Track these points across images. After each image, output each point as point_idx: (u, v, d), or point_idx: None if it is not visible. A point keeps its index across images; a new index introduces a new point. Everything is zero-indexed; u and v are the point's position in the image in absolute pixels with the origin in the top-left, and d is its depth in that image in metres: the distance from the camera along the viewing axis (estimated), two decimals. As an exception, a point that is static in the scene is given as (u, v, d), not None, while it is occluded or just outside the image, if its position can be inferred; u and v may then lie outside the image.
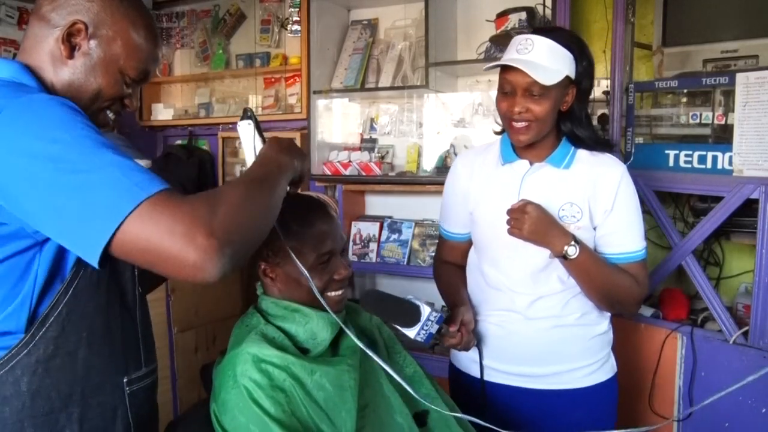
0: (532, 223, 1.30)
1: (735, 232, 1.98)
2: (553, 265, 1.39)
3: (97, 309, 0.94)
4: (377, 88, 2.77)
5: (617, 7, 2.14)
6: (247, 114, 1.07)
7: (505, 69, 1.36)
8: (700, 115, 1.98)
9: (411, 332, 1.29)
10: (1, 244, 0.84)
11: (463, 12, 2.70)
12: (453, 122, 2.66)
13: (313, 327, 1.13)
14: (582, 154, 1.43)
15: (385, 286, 2.99)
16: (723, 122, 1.91)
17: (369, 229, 2.83)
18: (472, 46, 2.64)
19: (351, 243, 2.81)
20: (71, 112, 0.83)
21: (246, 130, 1.07)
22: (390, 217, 2.85)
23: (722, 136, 1.91)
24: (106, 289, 0.96)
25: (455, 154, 2.63)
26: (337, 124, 2.99)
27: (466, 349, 1.41)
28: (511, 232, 1.33)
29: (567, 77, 1.34)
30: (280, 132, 3.14)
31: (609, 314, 1.50)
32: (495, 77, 2.63)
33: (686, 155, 1.96)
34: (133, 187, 0.77)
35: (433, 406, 1.18)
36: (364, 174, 2.73)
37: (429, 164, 2.70)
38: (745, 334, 1.84)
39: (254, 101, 3.28)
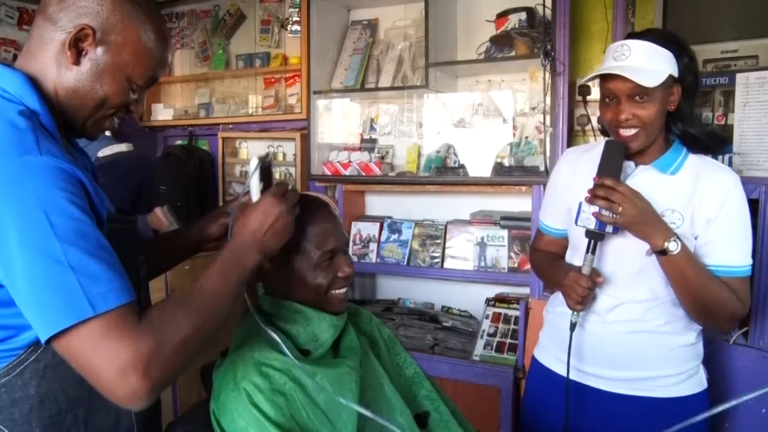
0: (635, 207, 1.26)
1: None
2: (647, 272, 1.35)
3: None
4: (377, 89, 2.77)
5: (617, 7, 2.14)
6: (262, 156, 1.05)
7: (605, 78, 1.34)
8: (701, 115, 1.98)
9: (593, 207, 1.32)
10: None
11: (463, 12, 2.70)
12: (453, 122, 2.66)
13: (315, 329, 1.13)
14: (692, 161, 1.38)
15: (385, 287, 2.99)
16: (723, 122, 1.91)
17: (369, 229, 2.83)
18: (472, 46, 2.64)
19: (351, 243, 2.81)
20: (60, 188, 0.81)
21: (253, 166, 1.04)
22: (390, 218, 2.85)
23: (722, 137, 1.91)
24: None
25: (455, 155, 2.64)
26: (337, 124, 2.99)
27: (583, 304, 1.37)
28: (604, 218, 1.29)
29: (670, 76, 1.31)
30: (279, 132, 3.14)
31: (699, 327, 1.44)
32: (495, 77, 2.66)
33: (686, 155, 1.96)
34: (83, 303, 0.77)
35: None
36: (364, 174, 2.72)
37: (427, 164, 2.69)
38: (745, 334, 1.84)
39: (254, 101, 3.28)
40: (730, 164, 1.84)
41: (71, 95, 0.93)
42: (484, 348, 2.43)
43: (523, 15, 2.41)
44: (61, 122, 0.95)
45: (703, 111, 1.98)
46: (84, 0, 0.91)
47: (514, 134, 2.54)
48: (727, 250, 1.34)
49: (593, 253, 1.35)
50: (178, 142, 3.54)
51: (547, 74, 2.27)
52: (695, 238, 1.35)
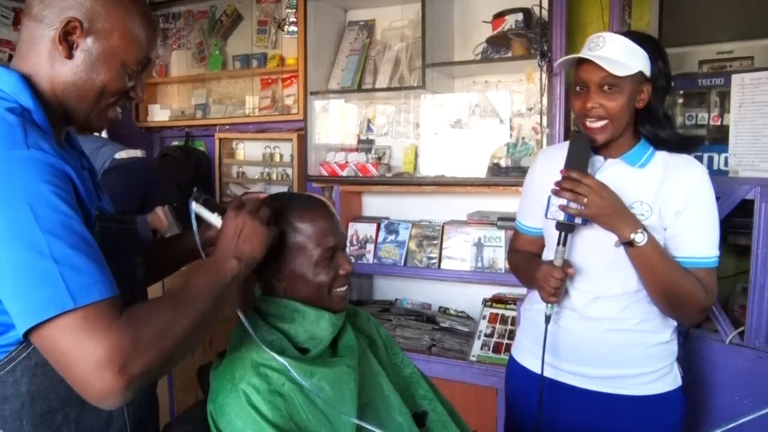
0: (601, 199, 1.29)
1: (731, 232, 1.99)
2: (619, 265, 1.38)
3: None
4: (374, 89, 2.77)
5: (613, 8, 2.15)
6: (195, 195, 1.08)
7: (578, 67, 1.38)
8: (696, 116, 1.99)
9: (561, 199, 1.35)
10: None
11: (459, 13, 2.70)
12: (450, 123, 2.66)
13: (313, 327, 1.13)
14: (660, 155, 1.41)
15: (382, 287, 2.99)
16: (719, 123, 1.92)
17: (366, 230, 2.83)
18: (468, 47, 2.64)
19: (348, 244, 2.81)
20: (46, 181, 0.81)
21: (194, 207, 1.08)
22: (387, 218, 2.85)
23: (718, 137, 1.92)
24: None
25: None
26: (334, 125, 2.99)
27: (556, 296, 1.40)
28: (570, 210, 1.32)
29: (641, 74, 1.35)
30: (276, 133, 3.14)
31: (673, 324, 1.46)
32: (491, 78, 2.66)
33: (682, 156, 1.96)
34: (64, 294, 0.77)
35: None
36: (360, 175, 2.73)
37: (426, 165, 2.70)
38: (741, 334, 1.85)
39: (251, 102, 3.28)
40: (725, 164, 1.85)
41: (70, 89, 0.94)
42: (481, 348, 2.43)
43: (520, 16, 2.42)
44: (57, 120, 0.95)
45: (699, 112, 1.98)
46: None
47: (510, 135, 2.54)
48: (696, 241, 1.37)
49: (564, 245, 1.38)
50: (175, 143, 3.53)
51: (544, 75, 2.28)
52: (664, 230, 1.38)
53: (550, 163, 1.53)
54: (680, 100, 2.07)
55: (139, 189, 2.35)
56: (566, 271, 1.38)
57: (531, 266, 1.50)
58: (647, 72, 1.36)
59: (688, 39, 2.09)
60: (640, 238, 1.30)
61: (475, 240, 2.56)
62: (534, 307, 1.54)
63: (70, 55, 0.92)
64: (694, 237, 1.37)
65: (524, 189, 1.63)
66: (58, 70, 0.93)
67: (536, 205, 1.53)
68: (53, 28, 0.91)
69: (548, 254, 1.51)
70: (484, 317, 2.52)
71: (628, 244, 1.32)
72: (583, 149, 1.37)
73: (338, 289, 1.15)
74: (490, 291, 2.61)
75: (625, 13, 2.14)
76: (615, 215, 1.31)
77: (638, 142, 1.42)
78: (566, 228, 1.37)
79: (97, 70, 0.94)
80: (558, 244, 1.38)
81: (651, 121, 1.40)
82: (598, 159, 1.43)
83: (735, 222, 1.91)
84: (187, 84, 3.55)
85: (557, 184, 1.34)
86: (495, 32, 2.48)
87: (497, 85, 2.61)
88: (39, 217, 0.78)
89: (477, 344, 2.46)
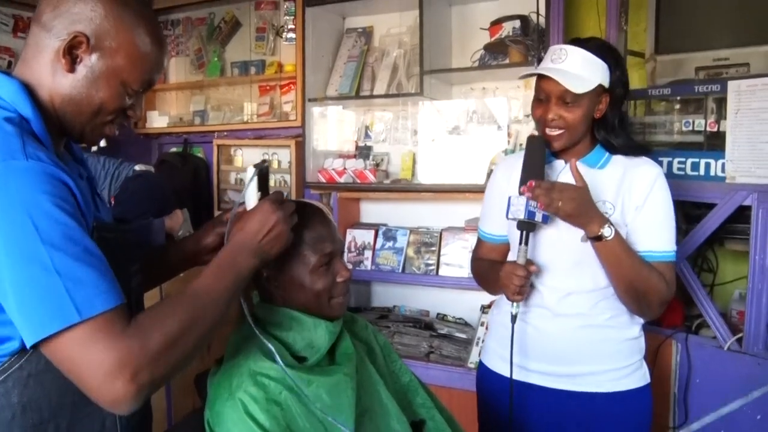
0: (573, 201, 1.32)
1: (728, 238, 1.99)
2: (586, 261, 1.40)
3: None
4: (372, 96, 2.78)
5: (610, 14, 2.16)
6: (259, 164, 1.05)
7: (540, 77, 1.41)
8: (693, 122, 1.99)
9: (521, 199, 1.38)
10: None
11: (457, 20, 2.71)
12: (447, 129, 2.67)
13: (311, 335, 1.13)
14: (618, 157, 1.46)
15: (380, 294, 2.98)
16: (715, 129, 1.93)
17: (364, 236, 2.83)
18: (466, 53, 2.65)
19: (346, 251, 2.81)
20: (46, 191, 0.81)
21: (250, 174, 1.04)
22: (385, 225, 2.85)
23: (715, 143, 1.92)
24: None
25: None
26: (332, 131, 2.99)
27: (521, 294, 1.41)
28: (547, 210, 1.35)
29: (600, 85, 1.39)
30: (274, 140, 3.14)
31: (641, 321, 1.49)
32: (489, 85, 2.66)
33: (679, 162, 1.97)
34: (70, 308, 0.77)
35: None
36: (358, 181, 2.73)
37: (424, 171, 2.70)
38: (740, 340, 1.85)
39: (249, 109, 3.28)
40: (722, 171, 1.85)
41: (67, 102, 0.93)
42: (480, 355, 2.42)
43: (517, 23, 2.43)
44: (56, 130, 0.95)
45: (696, 118, 1.99)
46: (77, 7, 0.91)
47: (508, 141, 2.55)
48: (654, 235, 1.41)
49: (526, 243, 1.41)
50: (173, 149, 3.53)
51: (541, 82, 2.28)
52: (626, 226, 1.42)
53: (510, 170, 1.56)
54: (677, 107, 2.07)
55: (159, 194, 2.57)
56: (529, 268, 1.40)
57: (494, 270, 1.51)
58: (606, 84, 1.40)
59: (685, 46, 2.10)
60: (608, 232, 1.33)
61: (473, 246, 2.55)
62: (502, 309, 1.55)
63: (72, 69, 0.91)
64: (654, 231, 1.41)
65: (486, 197, 1.66)
66: (59, 81, 0.92)
67: (498, 213, 1.54)
68: (60, 39, 0.90)
69: (513, 256, 1.52)
70: (482, 324, 2.51)
71: (596, 239, 1.34)
72: (539, 151, 1.42)
73: (337, 296, 1.15)
74: (488, 298, 2.58)
75: (621, 20, 2.15)
76: (585, 213, 1.34)
77: (595, 146, 1.47)
78: (527, 227, 1.39)
79: (97, 87, 0.93)
80: (520, 243, 1.41)
81: (605, 128, 1.45)
82: (559, 163, 1.48)
83: (732, 228, 1.91)
84: (185, 90, 3.55)
85: (531, 190, 1.35)
86: (492, 39, 2.49)
87: (495, 92, 2.61)
88: (40, 230, 0.78)
89: (475, 351, 2.45)
